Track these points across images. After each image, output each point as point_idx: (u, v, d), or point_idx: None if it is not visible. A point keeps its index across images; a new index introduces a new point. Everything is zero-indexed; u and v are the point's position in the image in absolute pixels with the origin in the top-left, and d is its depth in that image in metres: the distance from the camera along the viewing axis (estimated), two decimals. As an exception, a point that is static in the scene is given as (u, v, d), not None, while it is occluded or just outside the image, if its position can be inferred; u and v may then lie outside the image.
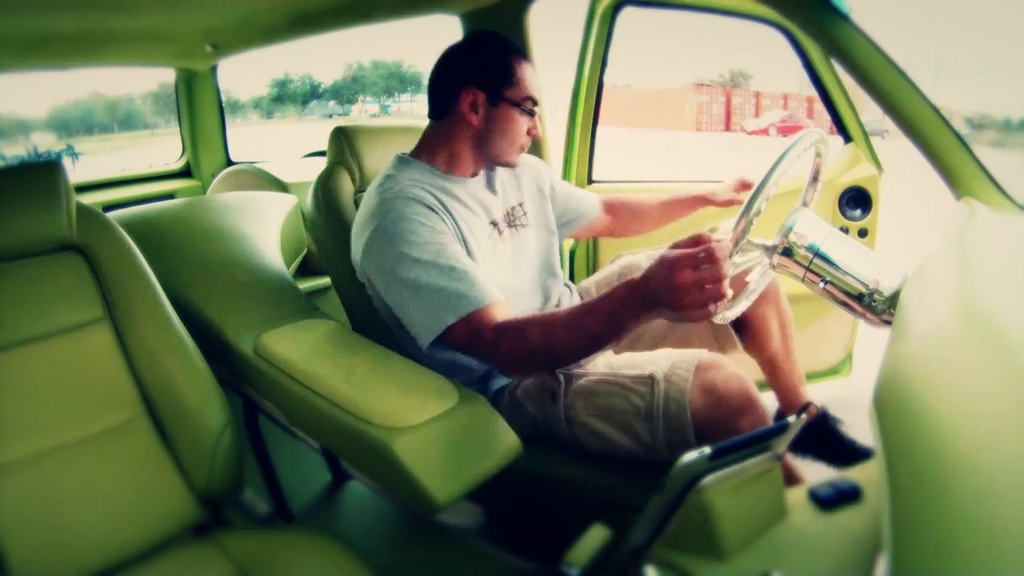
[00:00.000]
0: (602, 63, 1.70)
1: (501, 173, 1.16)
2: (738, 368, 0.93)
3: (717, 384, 0.89)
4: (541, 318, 0.89)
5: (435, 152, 1.08)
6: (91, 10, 1.50)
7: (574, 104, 1.73)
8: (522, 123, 1.05)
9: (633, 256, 1.31)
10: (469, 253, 1.02)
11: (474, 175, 1.11)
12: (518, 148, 1.08)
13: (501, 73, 1.03)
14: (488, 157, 1.08)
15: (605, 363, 1.01)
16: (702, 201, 1.34)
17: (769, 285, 1.15)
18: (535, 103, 1.05)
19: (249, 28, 1.92)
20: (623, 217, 1.37)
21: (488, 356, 0.92)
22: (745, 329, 1.20)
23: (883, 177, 1.63)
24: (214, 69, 2.47)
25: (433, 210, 0.99)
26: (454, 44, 1.08)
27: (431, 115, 1.10)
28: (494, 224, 1.11)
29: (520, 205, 1.18)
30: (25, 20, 1.50)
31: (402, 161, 1.08)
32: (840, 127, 1.70)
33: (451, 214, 1.02)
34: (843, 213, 1.62)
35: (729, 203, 1.31)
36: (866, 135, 1.67)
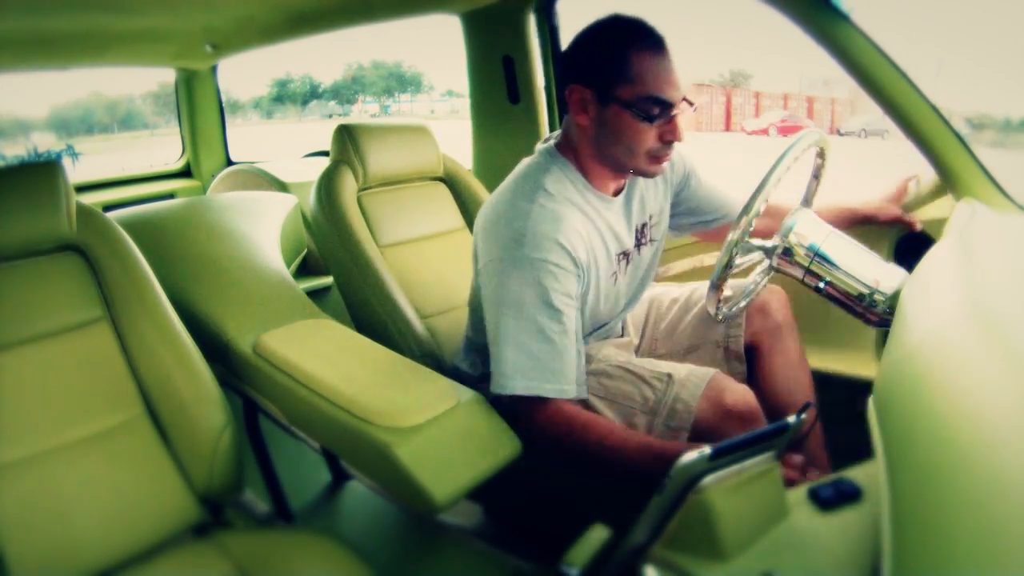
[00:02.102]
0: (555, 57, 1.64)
1: (641, 182, 1.05)
2: (746, 387, 0.94)
3: (725, 397, 0.91)
4: (595, 423, 0.90)
5: (577, 152, 0.97)
6: (91, 10, 1.50)
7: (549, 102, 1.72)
8: (640, 128, 0.89)
9: (663, 287, 1.28)
10: (587, 290, 0.97)
11: (616, 193, 1.01)
12: (644, 156, 0.91)
13: (612, 67, 0.87)
14: (610, 166, 0.96)
15: (626, 359, 1.03)
16: (858, 217, 1.17)
17: (783, 319, 1.12)
18: (660, 104, 0.88)
19: (249, 28, 1.92)
20: (765, 221, 1.15)
21: (528, 428, 0.92)
22: (754, 362, 1.15)
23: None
24: (214, 69, 2.47)
25: (575, 262, 0.91)
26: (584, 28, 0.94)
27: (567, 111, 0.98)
28: (623, 255, 1.03)
29: (651, 218, 1.08)
30: (25, 20, 1.50)
31: (554, 158, 0.97)
32: (923, 143, 1.11)
33: (587, 255, 0.94)
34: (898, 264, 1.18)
35: (896, 220, 1.16)
36: (975, 158, 1.13)
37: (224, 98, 2.64)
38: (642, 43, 0.88)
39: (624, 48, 0.87)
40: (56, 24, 1.58)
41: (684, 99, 0.91)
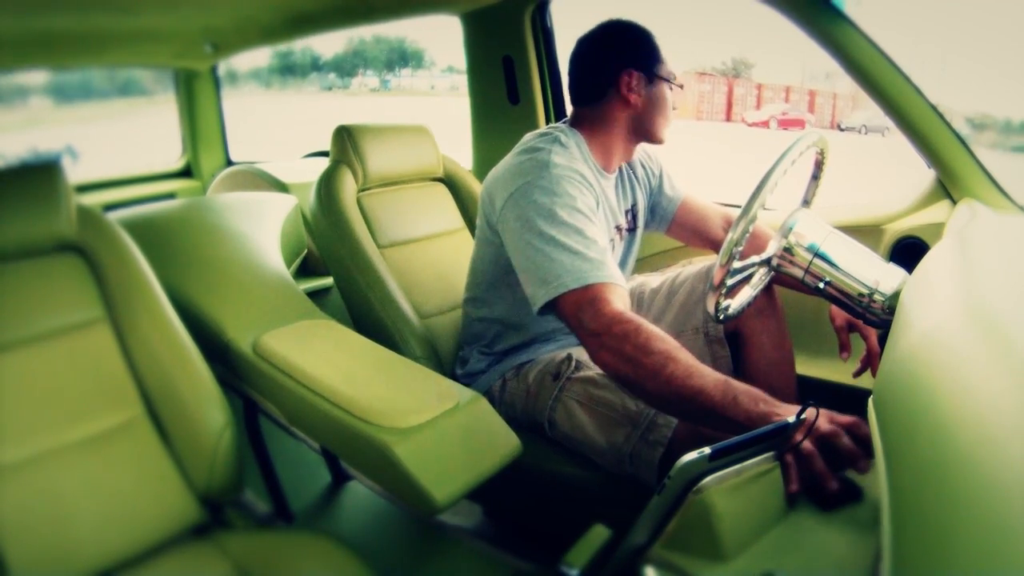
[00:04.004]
0: (549, 59, 1.67)
1: (624, 172, 1.17)
2: None
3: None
4: (670, 340, 0.82)
5: (593, 133, 1.08)
6: (91, 10, 1.50)
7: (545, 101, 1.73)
8: (671, 97, 1.08)
9: (644, 277, 1.30)
10: None
11: (613, 172, 1.12)
12: (664, 124, 1.09)
13: (653, 52, 1.05)
14: (643, 137, 1.10)
15: None
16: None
17: (768, 301, 1.13)
18: (673, 77, 1.08)
19: (249, 28, 1.92)
20: (687, 226, 1.27)
21: (591, 333, 0.85)
22: (738, 345, 1.18)
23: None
24: (214, 69, 2.47)
25: (592, 188, 1.00)
26: (592, 32, 1.08)
27: (580, 102, 1.09)
28: (617, 228, 1.13)
29: (633, 207, 1.19)
30: (25, 20, 1.50)
31: (561, 130, 1.06)
32: (922, 143, 1.13)
33: (596, 204, 1.03)
34: None
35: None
36: (975, 158, 1.13)
37: (222, 68, 2.59)
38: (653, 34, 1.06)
39: (652, 37, 1.06)
40: (56, 24, 1.58)
41: None
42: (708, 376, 0.77)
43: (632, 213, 1.19)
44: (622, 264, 1.18)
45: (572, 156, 1.01)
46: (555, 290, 0.88)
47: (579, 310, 0.86)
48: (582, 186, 0.97)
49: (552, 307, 0.90)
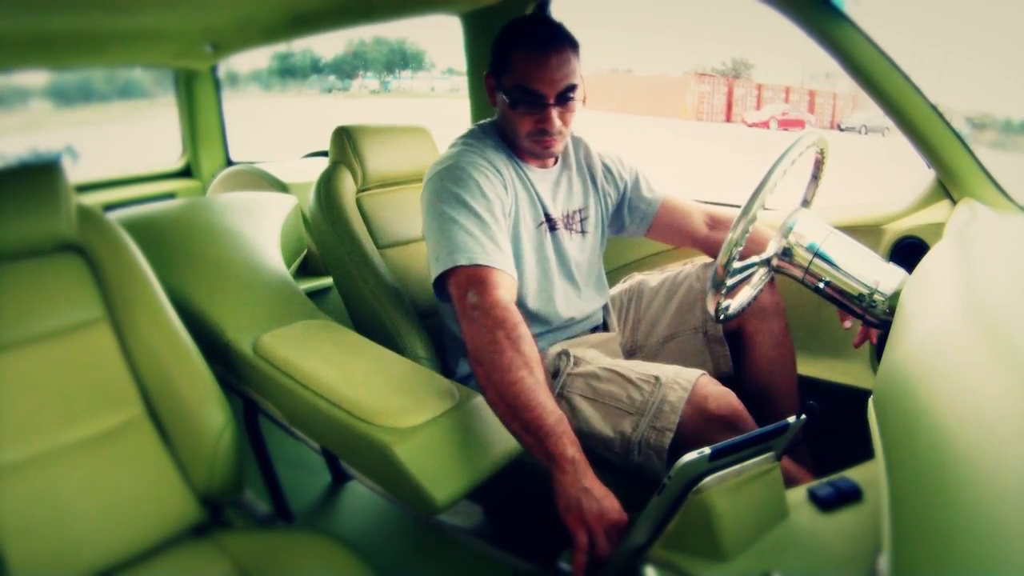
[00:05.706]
0: None
1: (572, 174, 1.15)
2: (728, 390, 0.94)
3: (708, 403, 0.92)
4: (535, 352, 0.84)
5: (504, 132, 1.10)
6: (91, 10, 1.50)
7: None
8: (514, 113, 1.01)
9: (643, 276, 1.29)
10: (516, 237, 1.05)
11: (543, 167, 1.11)
12: (524, 138, 1.03)
13: (502, 61, 1.01)
14: (512, 145, 1.08)
15: (613, 362, 1.03)
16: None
17: (769, 300, 1.13)
18: (530, 94, 0.98)
19: (249, 28, 1.92)
20: (670, 226, 1.25)
21: (473, 306, 0.88)
22: (739, 344, 1.18)
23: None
24: (214, 69, 2.47)
25: (501, 175, 1.03)
26: None
27: None
28: (548, 219, 1.10)
29: (582, 210, 1.16)
30: (25, 20, 1.50)
31: (483, 129, 1.10)
32: (922, 143, 1.12)
33: (512, 187, 1.05)
34: None
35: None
36: (975, 158, 1.13)
37: (223, 70, 2.58)
38: (525, 43, 0.99)
39: (511, 46, 1.00)
40: (56, 24, 1.58)
41: (567, 95, 0.99)
42: (551, 403, 0.80)
43: (581, 216, 1.16)
44: (579, 266, 1.15)
45: (486, 147, 1.05)
46: (446, 264, 0.92)
47: (469, 285, 0.90)
48: (488, 172, 1.00)
49: (443, 282, 0.94)
